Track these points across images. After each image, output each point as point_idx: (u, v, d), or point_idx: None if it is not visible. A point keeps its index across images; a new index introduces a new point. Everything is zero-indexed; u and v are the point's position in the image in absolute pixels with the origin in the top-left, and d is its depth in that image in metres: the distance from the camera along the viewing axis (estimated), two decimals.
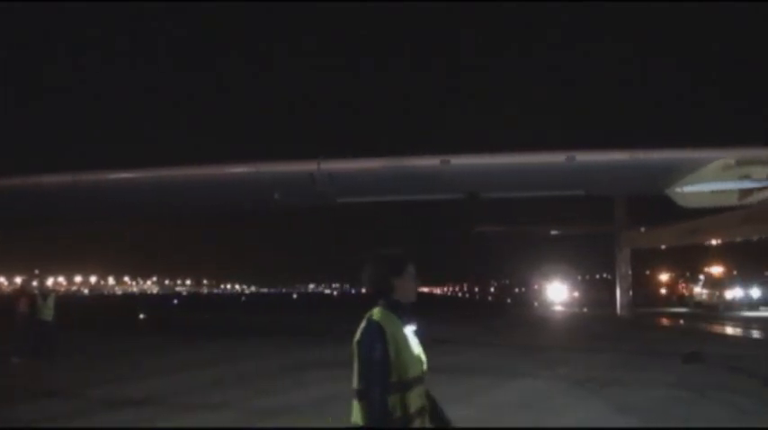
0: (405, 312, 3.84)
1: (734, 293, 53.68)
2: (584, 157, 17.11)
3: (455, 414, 11.70)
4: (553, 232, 52.01)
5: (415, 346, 3.78)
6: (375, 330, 3.60)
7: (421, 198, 22.80)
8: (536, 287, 79.61)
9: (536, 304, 68.65)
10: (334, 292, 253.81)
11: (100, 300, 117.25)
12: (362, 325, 3.68)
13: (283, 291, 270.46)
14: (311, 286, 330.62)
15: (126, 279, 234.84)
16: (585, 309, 57.20)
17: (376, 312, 3.73)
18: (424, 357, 3.86)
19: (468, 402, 12.35)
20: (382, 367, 3.51)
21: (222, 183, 18.85)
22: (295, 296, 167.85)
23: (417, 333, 3.86)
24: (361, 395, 3.56)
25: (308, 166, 17.57)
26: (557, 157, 17.18)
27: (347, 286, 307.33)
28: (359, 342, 3.63)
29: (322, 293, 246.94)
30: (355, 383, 3.62)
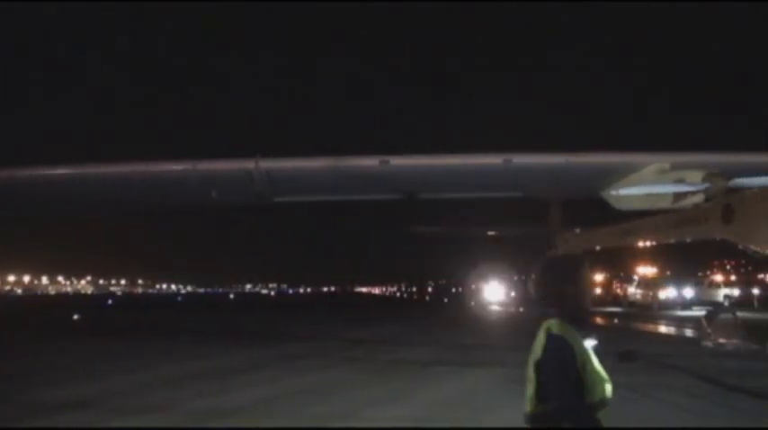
0: (585, 324, 3.46)
1: (667, 293, 54.95)
2: (521, 160, 17.35)
3: (392, 412, 11.92)
4: (490, 233, 52.46)
5: (597, 364, 3.39)
6: (561, 346, 3.23)
7: (360, 198, 22.83)
8: (473, 287, 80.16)
9: (473, 304, 69.15)
10: (272, 292, 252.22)
11: (33, 299, 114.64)
12: (540, 340, 3.29)
13: (220, 291, 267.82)
14: (248, 286, 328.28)
15: (60, 278, 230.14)
16: (521, 309, 57.86)
17: (554, 325, 3.33)
18: (606, 376, 3.44)
19: (405, 401, 12.47)
20: (577, 386, 3.14)
21: (158, 180, 18.62)
22: (232, 296, 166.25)
23: (597, 348, 3.46)
24: (545, 419, 3.20)
25: (246, 165, 17.48)
26: (494, 159, 17.40)
27: (284, 286, 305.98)
28: (542, 361, 3.23)
29: (259, 293, 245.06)
30: (530, 406, 3.28)
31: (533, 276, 3.49)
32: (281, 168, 18.24)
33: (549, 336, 3.22)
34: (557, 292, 3.38)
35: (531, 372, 3.26)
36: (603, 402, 3.30)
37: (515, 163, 17.33)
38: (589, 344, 3.28)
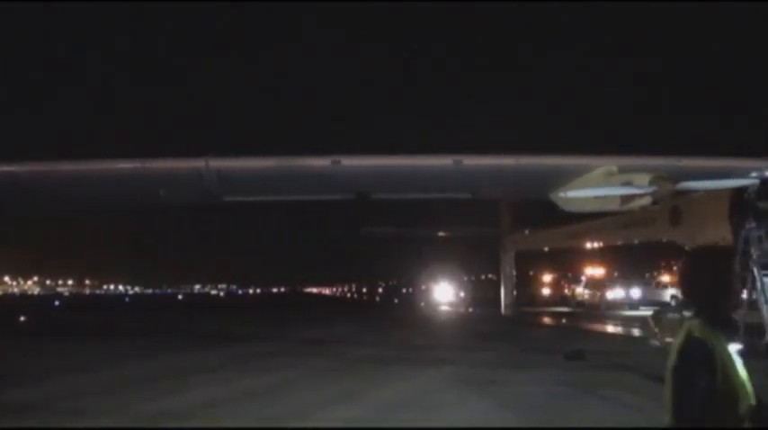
0: (731, 327, 3.14)
1: (615, 293, 55.74)
2: (471, 161, 17.45)
3: (342, 413, 11.82)
4: (440, 234, 52.69)
5: (743, 371, 3.07)
6: (700, 350, 2.94)
7: (311, 198, 22.74)
8: (423, 287, 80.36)
9: (423, 304, 69.35)
10: (221, 293, 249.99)
11: None
12: (679, 343, 3.01)
13: (168, 291, 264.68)
14: (197, 287, 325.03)
15: (6, 279, 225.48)
16: (471, 309, 58.19)
17: (696, 326, 3.03)
18: (750, 386, 3.09)
19: (355, 401, 12.45)
20: (712, 398, 2.87)
21: (107, 178, 18.32)
22: (180, 297, 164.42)
23: (742, 353, 3.12)
24: None
25: (196, 164, 17.30)
26: (444, 161, 17.48)
27: (234, 287, 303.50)
28: (677, 367, 2.99)
29: (208, 294, 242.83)
30: (669, 420, 3.11)
31: (679, 271, 3.26)
32: (230, 168, 18.07)
33: (689, 340, 2.96)
34: (701, 290, 3.11)
35: (668, 377, 3.04)
36: (747, 415, 2.93)
37: (466, 164, 17.46)
38: (734, 348, 2.98)
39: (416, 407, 12.02)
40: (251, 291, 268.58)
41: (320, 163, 17.42)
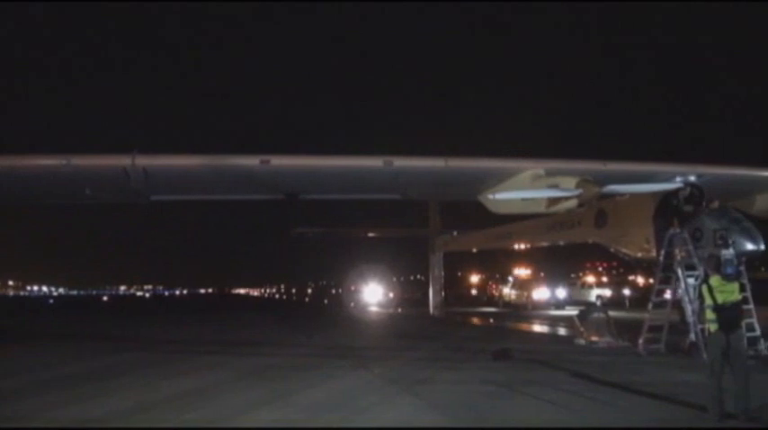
0: None
1: (541, 294, 56.61)
2: (402, 163, 17.54)
3: (269, 415, 11.73)
4: (370, 234, 52.78)
5: None
6: None
7: (240, 198, 22.57)
8: (352, 288, 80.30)
9: (352, 305, 69.31)
10: (147, 294, 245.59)
11: None
12: None
13: (94, 292, 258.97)
14: (123, 288, 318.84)
15: None
16: (400, 310, 58.39)
17: None
18: None
19: (282, 403, 12.35)
20: None
21: (30, 175, 17.86)
22: (106, 298, 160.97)
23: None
24: None
25: (122, 161, 16.99)
26: (375, 162, 17.52)
27: (160, 288, 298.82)
28: None
29: (134, 295, 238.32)
30: None
31: None
32: (158, 165, 17.81)
33: None
34: None
35: None
36: None
37: (396, 165, 17.55)
38: None
39: (344, 407, 11.99)
40: (177, 293, 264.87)
41: (249, 162, 17.31)
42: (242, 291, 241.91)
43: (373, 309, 61.80)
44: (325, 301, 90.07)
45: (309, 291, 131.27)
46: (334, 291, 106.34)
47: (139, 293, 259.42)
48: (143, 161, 16.95)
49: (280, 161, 17.21)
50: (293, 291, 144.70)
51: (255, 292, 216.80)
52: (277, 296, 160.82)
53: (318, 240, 61.37)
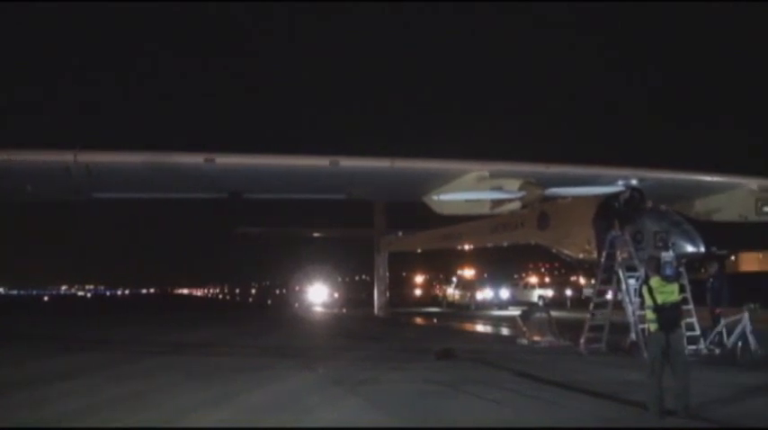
0: None
1: (484, 294, 57.06)
2: (347, 163, 17.52)
3: (213, 417, 11.59)
4: (315, 234, 52.66)
5: None
6: None
7: (184, 196, 22.31)
8: (297, 288, 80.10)
9: (297, 305, 69.10)
10: (88, 294, 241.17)
11: None
12: None
13: (34, 292, 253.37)
14: (64, 287, 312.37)
15: None
16: (345, 310, 58.34)
17: None
18: None
19: (226, 405, 12.24)
20: None
21: None
22: (46, 298, 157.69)
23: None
24: None
25: (64, 157, 16.65)
26: (320, 161, 17.48)
27: (102, 287, 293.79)
28: None
29: (75, 295, 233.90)
30: None
31: None
32: (101, 162, 17.51)
33: None
34: None
35: None
36: None
37: (342, 165, 17.52)
38: None
39: (288, 408, 11.93)
40: (119, 293, 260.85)
41: (193, 160, 17.11)
42: (185, 291, 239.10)
43: (318, 309, 61.67)
44: (269, 302, 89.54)
45: (253, 291, 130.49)
46: (278, 292, 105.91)
47: (81, 293, 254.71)
48: (85, 158, 16.64)
49: (224, 159, 17.06)
50: (237, 291, 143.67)
51: (198, 293, 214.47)
52: (220, 296, 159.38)
53: (262, 240, 61.18)
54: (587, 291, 45.75)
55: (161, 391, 13.80)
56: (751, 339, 17.24)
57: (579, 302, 50.28)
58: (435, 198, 18.36)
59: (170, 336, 27.88)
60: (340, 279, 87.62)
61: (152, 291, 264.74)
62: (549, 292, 62.51)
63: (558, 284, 71.42)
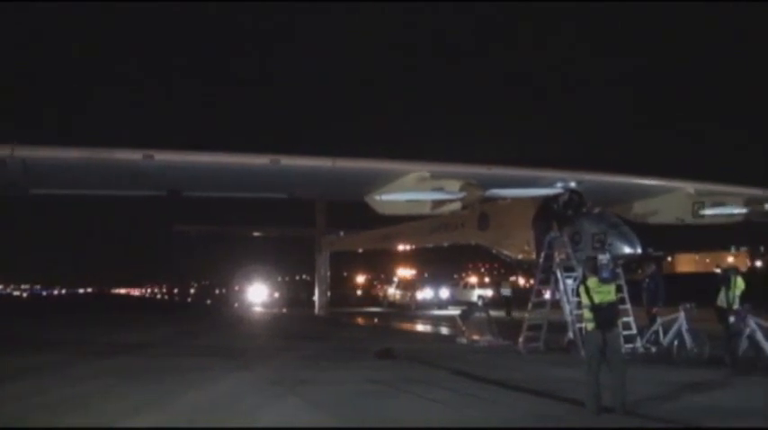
0: None
1: (425, 294, 57.25)
2: (289, 162, 17.43)
3: (150, 418, 11.42)
4: (255, 233, 52.34)
5: None
6: None
7: (122, 193, 21.98)
8: (237, 288, 79.41)
9: (236, 305, 68.52)
10: (24, 294, 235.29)
11: None
12: None
13: None
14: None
15: None
16: (285, 310, 58.06)
17: None
18: None
19: (162, 407, 12.08)
20: None
21: None
22: None
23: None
24: None
25: (1, 152, 16.24)
26: (261, 160, 17.35)
27: (38, 287, 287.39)
28: None
29: (10, 295, 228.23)
30: None
31: None
32: (38, 157, 17.12)
33: None
34: None
35: None
36: None
37: (283, 164, 17.43)
38: None
39: (228, 409, 11.84)
40: (56, 292, 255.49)
41: (132, 156, 16.83)
42: (122, 290, 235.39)
43: (258, 309, 61.25)
44: (209, 302, 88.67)
45: (192, 291, 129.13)
46: (217, 291, 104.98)
47: (17, 293, 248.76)
48: (22, 153, 16.25)
49: (163, 156, 16.82)
50: (175, 291, 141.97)
51: (136, 292, 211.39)
52: (158, 296, 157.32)
53: (201, 238, 60.56)
54: (505, 292, 46.42)
55: (95, 395, 13.52)
56: (687, 338, 17.62)
57: (518, 302, 50.76)
58: (377, 198, 18.37)
59: (106, 337, 27.39)
60: (280, 278, 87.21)
61: (90, 290, 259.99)
62: (489, 292, 63.00)
63: (497, 284, 72.12)
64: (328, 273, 47.67)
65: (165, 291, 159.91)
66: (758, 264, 75.54)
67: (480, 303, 42.99)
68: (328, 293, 48.11)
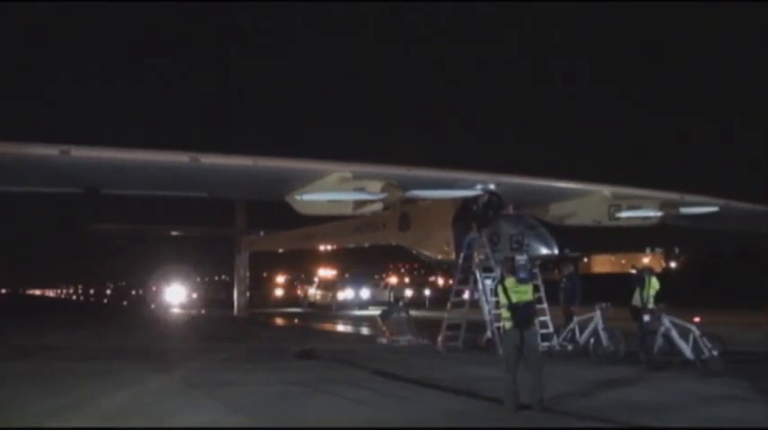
0: None
1: (345, 294, 57.24)
2: (209, 160, 17.21)
3: (66, 424, 11.12)
4: (174, 233, 51.55)
5: None
6: None
7: (37, 190, 21.37)
8: (154, 289, 78.12)
9: (154, 306, 67.43)
10: None
11: None
12: None
13: None
14: None
15: None
16: (204, 311, 57.36)
17: None
18: None
19: (77, 412, 11.81)
20: None
21: None
22: None
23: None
24: None
25: None
26: (181, 158, 17.09)
27: None
28: None
29: None
30: None
31: None
32: None
33: None
34: None
35: None
36: None
37: (203, 162, 17.19)
38: None
39: (145, 413, 11.63)
40: None
41: (47, 152, 16.35)
42: (37, 291, 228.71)
43: (176, 310, 60.36)
44: (125, 303, 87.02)
45: (109, 291, 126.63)
46: (135, 292, 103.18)
47: None
48: None
49: (80, 152, 16.37)
50: (91, 291, 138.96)
51: (51, 293, 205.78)
52: (74, 297, 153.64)
53: (119, 238, 59.39)
54: (408, 292, 47.27)
55: (8, 398, 13.14)
56: (603, 336, 18.10)
57: (437, 302, 51.13)
58: (298, 198, 18.30)
59: (18, 340, 26.66)
60: (199, 279, 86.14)
61: (2, 291, 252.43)
62: (409, 292, 63.39)
63: (418, 284, 72.67)
64: (248, 274, 47.27)
65: (80, 292, 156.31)
66: (673, 264, 77.87)
67: (400, 303, 43.29)
68: (248, 294, 47.73)
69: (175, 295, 69.15)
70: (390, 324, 23.95)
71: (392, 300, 47.16)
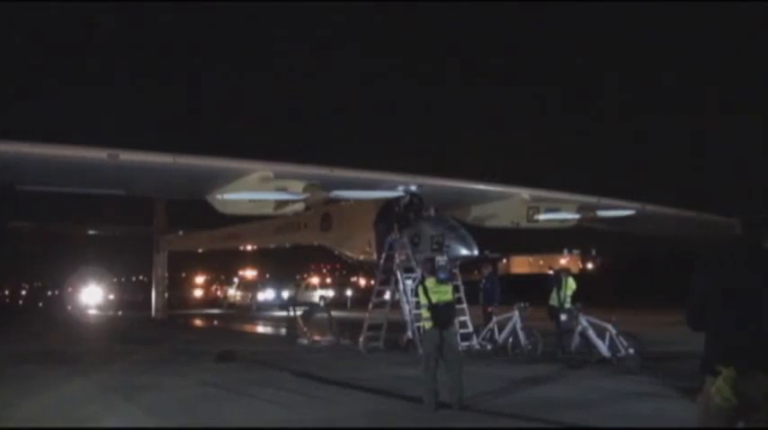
0: None
1: (266, 295, 56.94)
2: (127, 157, 16.91)
3: None
4: (91, 232, 50.44)
5: None
6: None
7: None
8: (70, 290, 76.34)
9: (70, 308, 65.89)
10: None
11: None
12: None
13: None
14: None
15: None
16: (121, 312, 56.35)
17: None
18: None
19: None
20: None
21: None
22: None
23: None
24: None
25: None
26: (99, 154, 16.73)
27: None
28: None
29: None
30: None
31: None
32: None
33: None
34: None
35: None
36: None
37: (122, 159, 16.87)
38: None
39: (60, 418, 11.30)
40: None
41: None
42: None
43: (92, 311, 59.12)
44: (41, 304, 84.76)
45: (24, 292, 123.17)
46: (50, 293, 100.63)
47: None
48: None
49: None
50: (5, 292, 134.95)
51: None
52: None
53: (34, 237, 57.88)
54: (318, 294, 47.54)
55: None
56: (521, 335, 18.41)
57: (359, 302, 51.24)
58: (219, 197, 18.14)
59: None
60: (116, 280, 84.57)
61: None
62: (330, 293, 63.42)
63: (339, 285, 72.68)
64: (166, 274, 46.52)
65: None
66: (589, 266, 79.45)
67: (322, 304, 43.27)
68: (166, 295, 46.94)
69: (92, 296, 67.74)
70: (312, 324, 23.92)
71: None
